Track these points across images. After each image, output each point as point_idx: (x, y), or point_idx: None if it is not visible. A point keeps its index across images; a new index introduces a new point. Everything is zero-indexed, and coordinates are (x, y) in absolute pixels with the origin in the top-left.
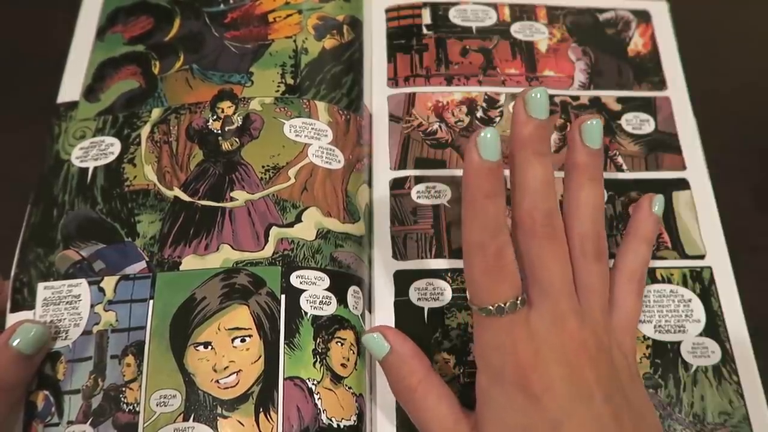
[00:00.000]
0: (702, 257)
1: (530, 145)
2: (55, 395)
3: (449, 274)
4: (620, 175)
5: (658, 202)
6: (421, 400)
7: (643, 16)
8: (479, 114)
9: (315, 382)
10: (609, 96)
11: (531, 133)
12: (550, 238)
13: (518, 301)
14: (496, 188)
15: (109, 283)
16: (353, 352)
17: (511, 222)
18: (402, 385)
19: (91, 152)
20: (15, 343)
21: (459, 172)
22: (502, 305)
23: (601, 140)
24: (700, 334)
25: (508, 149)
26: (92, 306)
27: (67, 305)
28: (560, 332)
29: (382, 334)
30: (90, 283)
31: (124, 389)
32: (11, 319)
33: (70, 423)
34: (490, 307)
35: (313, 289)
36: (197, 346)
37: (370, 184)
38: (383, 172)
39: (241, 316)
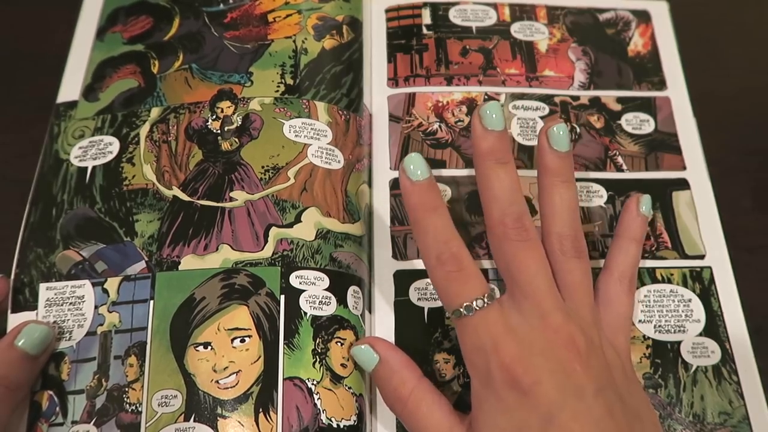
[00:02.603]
0: (702, 257)
1: (491, 155)
2: (60, 395)
3: None
4: (620, 175)
5: (644, 202)
6: (414, 410)
7: (643, 16)
8: None
9: (315, 382)
10: (609, 96)
11: (491, 145)
12: (524, 240)
13: (485, 297)
14: (436, 201)
15: (112, 284)
16: None
17: (486, 230)
18: (394, 396)
19: (90, 151)
20: (20, 344)
21: (459, 172)
22: (470, 304)
23: (568, 143)
24: (700, 334)
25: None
26: (96, 307)
27: (70, 306)
28: (545, 328)
29: (371, 345)
30: (93, 285)
31: (127, 389)
32: (13, 319)
33: (74, 423)
34: (460, 309)
35: (313, 290)
36: (197, 347)
37: (370, 184)
38: (383, 172)
39: (240, 316)
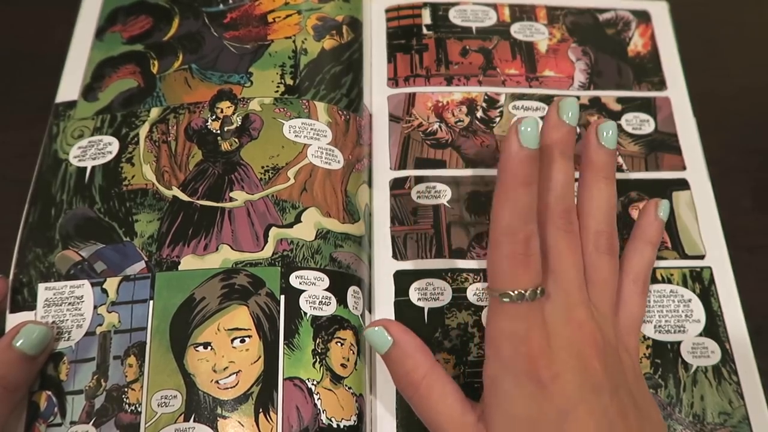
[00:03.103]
0: (702, 257)
1: (559, 146)
2: (58, 395)
3: (449, 274)
4: (620, 175)
5: (663, 207)
6: (426, 395)
7: (643, 16)
8: (479, 114)
9: (315, 383)
10: (609, 96)
11: (562, 136)
12: (567, 231)
13: (538, 291)
14: (532, 177)
15: (111, 284)
16: (353, 353)
17: None
18: (406, 380)
19: (89, 151)
20: (18, 344)
21: (459, 172)
22: (523, 292)
23: (615, 141)
24: (700, 334)
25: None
26: (95, 307)
27: (69, 306)
28: (570, 322)
29: (385, 328)
30: (93, 285)
31: (126, 390)
32: (11, 319)
33: (73, 423)
34: (511, 293)
35: (313, 290)
36: (197, 347)
37: (370, 184)
38: (383, 172)
39: (240, 316)
